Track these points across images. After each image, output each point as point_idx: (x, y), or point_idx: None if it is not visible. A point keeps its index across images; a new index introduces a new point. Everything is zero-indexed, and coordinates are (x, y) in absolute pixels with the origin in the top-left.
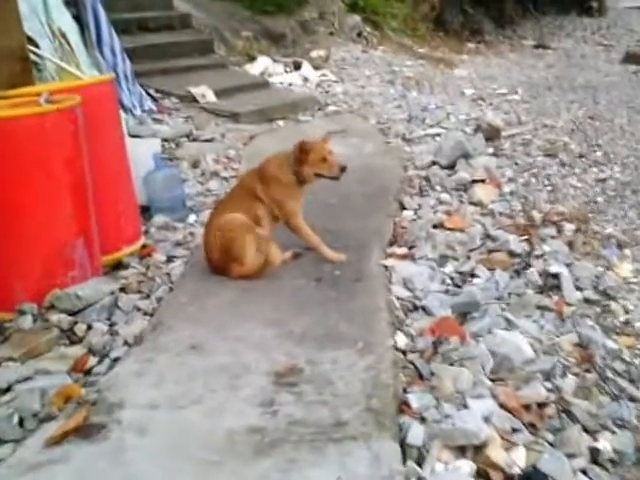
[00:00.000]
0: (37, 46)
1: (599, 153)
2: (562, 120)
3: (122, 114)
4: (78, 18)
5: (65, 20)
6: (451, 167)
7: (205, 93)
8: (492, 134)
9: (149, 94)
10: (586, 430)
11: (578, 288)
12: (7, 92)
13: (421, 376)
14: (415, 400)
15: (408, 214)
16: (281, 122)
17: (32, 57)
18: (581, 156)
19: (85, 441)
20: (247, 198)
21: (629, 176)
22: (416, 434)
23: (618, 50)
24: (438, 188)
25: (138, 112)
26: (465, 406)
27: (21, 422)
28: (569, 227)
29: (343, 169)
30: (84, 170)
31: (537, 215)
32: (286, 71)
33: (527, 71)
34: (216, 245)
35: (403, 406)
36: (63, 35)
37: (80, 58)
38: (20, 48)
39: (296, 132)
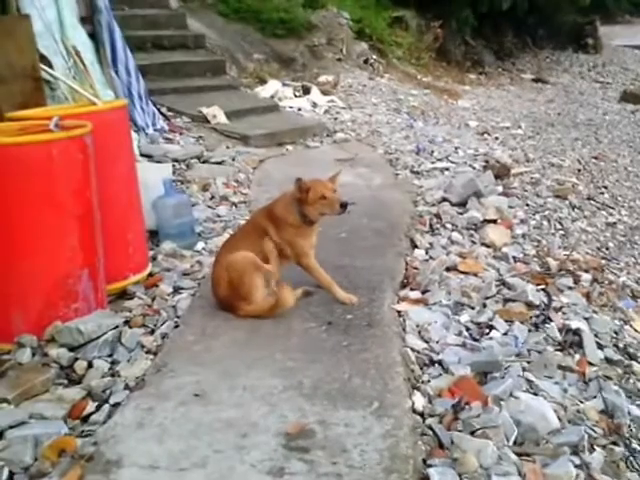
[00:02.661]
0: (50, 65)
1: (606, 195)
2: (568, 159)
3: (134, 134)
4: (93, 35)
5: (80, 38)
6: (462, 205)
7: (216, 114)
8: (501, 172)
9: (161, 113)
10: None
11: (599, 345)
12: (17, 113)
13: (441, 445)
14: (437, 477)
15: (420, 253)
16: (290, 147)
17: (45, 76)
18: (589, 198)
19: None
20: (257, 236)
21: (637, 220)
22: None
23: (614, 88)
24: (449, 226)
25: (150, 131)
26: None
27: (11, 477)
28: (586, 277)
29: (344, 205)
30: (92, 200)
31: (553, 262)
32: (295, 95)
33: (528, 104)
34: (225, 281)
35: None
36: (77, 53)
37: (94, 77)
38: (32, 67)
39: (305, 157)
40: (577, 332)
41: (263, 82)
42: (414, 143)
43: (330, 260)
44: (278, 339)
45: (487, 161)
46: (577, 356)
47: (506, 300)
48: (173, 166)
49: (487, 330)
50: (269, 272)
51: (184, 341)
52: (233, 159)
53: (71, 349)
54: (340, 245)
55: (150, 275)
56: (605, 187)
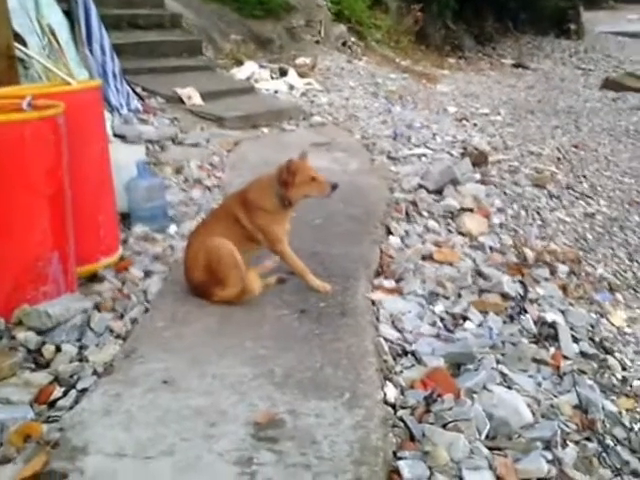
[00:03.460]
0: (25, 43)
1: (585, 185)
2: (548, 147)
3: (108, 114)
4: (68, 13)
5: (55, 16)
6: (439, 192)
7: (192, 95)
8: (479, 159)
9: (136, 93)
10: None
11: (574, 339)
12: None
13: (412, 437)
14: (407, 470)
15: (395, 241)
16: (266, 129)
17: (19, 54)
18: (568, 187)
19: None
20: (229, 222)
21: (615, 211)
22: None
23: (596, 75)
24: (425, 214)
25: (124, 111)
26: (461, 479)
27: None
28: (563, 269)
29: (334, 187)
30: (64, 182)
31: (529, 253)
32: (272, 77)
33: (507, 90)
34: (200, 266)
35: (394, 475)
36: (52, 32)
37: (69, 56)
38: (6, 45)
39: (280, 141)
40: (552, 325)
41: (240, 63)
42: (391, 128)
43: (304, 247)
44: (250, 327)
45: (465, 148)
46: (552, 349)
47: (481, 291)
48: (147, 147)
49: (461, 321)
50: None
51: (154, 327)
52: (208, 141)
53: (39, 333)
54: (315, 232)
55: (121, 258)
56: (584, 176)
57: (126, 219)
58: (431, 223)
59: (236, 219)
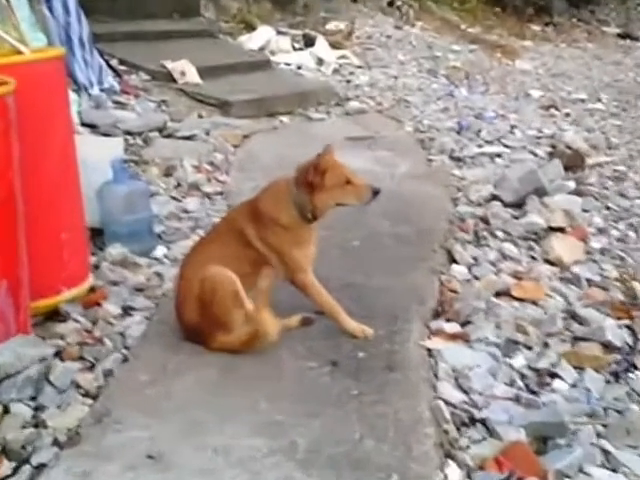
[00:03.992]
0: None
1: None
2: None
3: (73, 95)
4: None
5: None
6: (518, 205)
7: (185, 70)
8: (573, 162)
9: (111, 67)
10: None
11: None
12: None
13: None
14: None
15: (460, 271)
16: (285, 118)
17: None
18: None
19: None
20: (234, 243)
21: None
22: None
23: None
24: (500, 235)
25: (95, 91)
26: None
27: None
28: None
29: (376, 192)
30: (15, 186)
31: None
32: (294, 48)
33: (611, 69)
34: (194, 301)
35: None
36: None
37: (20, 15)
38: None
39: (305, 134)
40: None
41: (251, 28)
42: (455, 118)
43: (336, 277)
44: (264, 383)
45: (554, 146)
46: None
47: (576, 339)
48: (126, 141)
49: (549, 379)
50: (251, 295)
51: (135, 381)
52: (207, 133)
53: None
54: (350, 257)
55: (91, 290)
56: None
57: (98, 237)
58: (508, 247)
59: (244, 238)
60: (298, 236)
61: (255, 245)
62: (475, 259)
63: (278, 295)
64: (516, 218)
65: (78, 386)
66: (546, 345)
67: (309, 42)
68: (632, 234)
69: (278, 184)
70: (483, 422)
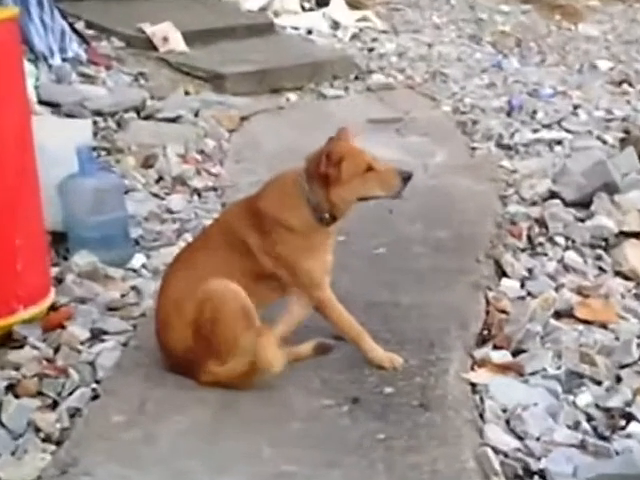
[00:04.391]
0: None
1: None
2: None
3: (29, 67)
4: None
5: None
6: (583, 205)
7: (169, 35)
8: None
9: (76, 31)
10: None
11: None
12: None
13: None
14: None
15: (511, 286)
16: (293, 96)
17: None
18: None
19: None
20: (230, 251)
21: None
22: None
23: None
24: (561, 241)
25: (57, 61)
26: None
27: None
28: None
29: (407, 178)
30: None
31: None
32: (304, 8)
33: None
34: (182, 324)
35: None
36: None
37: None
38: None
39: (318, 115)
40: None
41: None
42: (503, 96)
43: (359, 293)
44: (267, 425)
45: (627, 131)
46: None
47: None
48: (95, 123)
49: (622, 422)
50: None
51: (108, 423)
52: (196, 114)
53: None
54: (375, 268)
55: (53, 308)
56: None
57: (61, 243)
58: (571, 256)
59: (242, 247)
60: (311, 243)
61: (256, 255)
62: (530, 271)
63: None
64: (581, 221)
65: (37, 429)
66: (618, 379)
67: (322, 1)
68: None
69: (285, 178)
70: (541, 474)
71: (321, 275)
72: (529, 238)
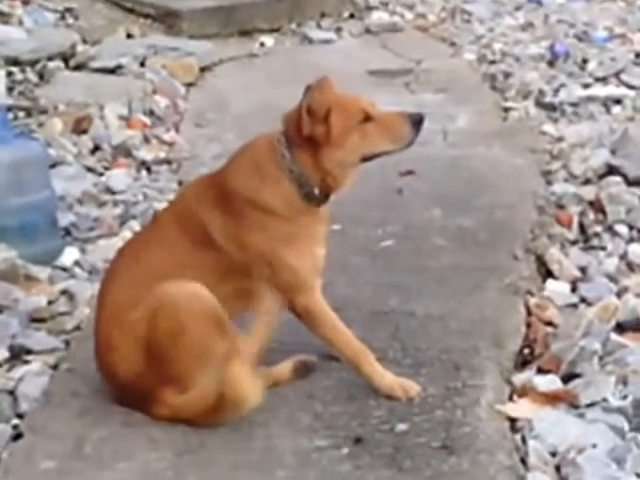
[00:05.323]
0: None
1: None
2: None
3: None
4: None
5: None
6: None
7: None
8: None
9: None
10: None
11: None
12: None
13: None
14: None
15: (559, 290)
16: (268, 39)
17: None
18: None
19: None
20: (191, 242)
21: None
22: None
23: None
24: (623, 231)
25: None
26: None
27: None
28: None
29: (418, 122)
30: None
31: None
32: None
33: None
34: (130, 342)
35: None
36: None
37: None
38: None
39: (301, 66)
40: None
41: None
42: (544, 40)
43: (360, 299)
44: (243, 474)
45: None
46: None
47: None
48: (9, 75)
49: None
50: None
51: (34, 470)
52: (142, 64)
53: None
54: (382, 266)
55: None
56: None
57: None
58: (636, 251)
59: (205, 235)
60: (297, 230)
61: (225, 247)
62: (583, 270)
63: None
64: None
65: None
66: None
67: None
68: None
69: (258, 145)
70: None
71: (309, 274)
72: (581, 227)
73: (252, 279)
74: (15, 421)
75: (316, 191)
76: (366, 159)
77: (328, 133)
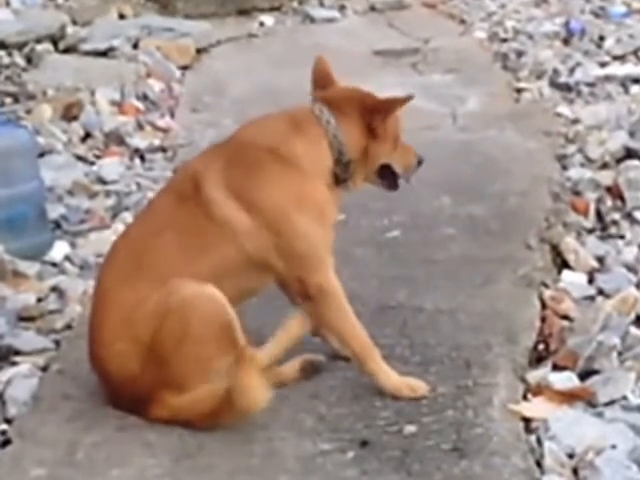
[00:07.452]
0: None
1: None
2: None
3: None
4: None
5: None
6: None
7: None
8: None
9: None
10: None
11: None
12: None
13: None
14: None
15: (576, 282)
16: (268, 18)
17: None
18: None
19: None
20: (193, 227)
21: None
22: None
23: None
24: None
25: None
26: None
27: None
28: None
29: (420, 162)
30: None
31: None
32: None
33: None
34: (132, 344)
35: None
36: None
37: None
38: None
39: (303, 46)
40: None
41: None
42: (558, 17)
43: (365, 293)
44: (244, 477)
45: None
46: None
47: None
48: None
49: None
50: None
51: (23, 478)
52: (135, 46)
53: None
54: (388, 259)
55: None
56: None
57: None
58: None
59: (209, 215)
60: (314, 196)
61: (232, 221)
62: (600, 261)
63: (255, 317)
64: None
65: None
66: None
67: None
68: None
69: (297, 109)
70: None
71: (324, 247)
72: (599, 214)
73: (263, 273)
74: (3, 426)
75: (349, 170)
76: (380, 170)
77: (384, 130)
